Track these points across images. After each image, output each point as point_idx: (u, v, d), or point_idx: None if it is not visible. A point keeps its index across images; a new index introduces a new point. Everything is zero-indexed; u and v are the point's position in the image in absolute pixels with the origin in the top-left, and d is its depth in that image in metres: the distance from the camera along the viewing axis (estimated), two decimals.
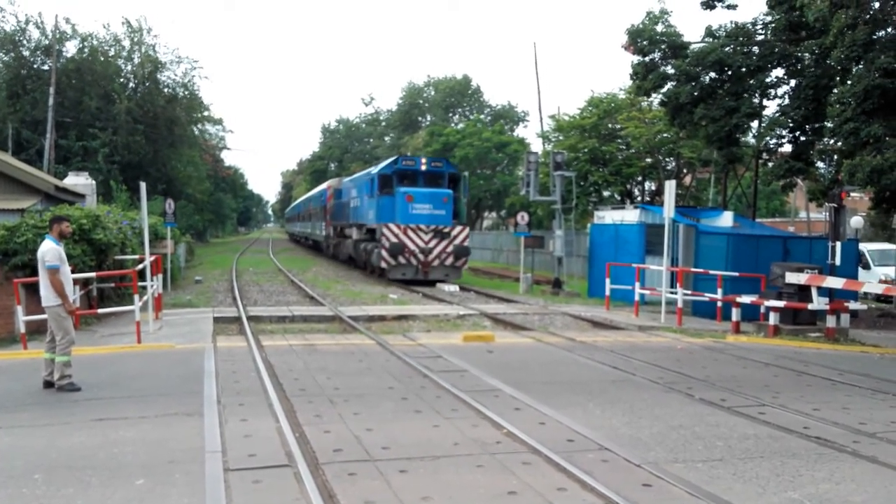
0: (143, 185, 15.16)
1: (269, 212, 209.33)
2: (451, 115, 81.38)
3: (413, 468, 6.34)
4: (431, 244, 25.82)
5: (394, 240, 25.47)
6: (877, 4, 17.87)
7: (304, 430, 7.39)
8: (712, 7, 23.61)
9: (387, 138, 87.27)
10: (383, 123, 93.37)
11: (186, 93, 51.23)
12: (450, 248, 25.97)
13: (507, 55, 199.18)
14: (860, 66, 18.03)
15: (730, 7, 23.88)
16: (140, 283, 14.12)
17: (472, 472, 6.28)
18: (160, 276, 16.55)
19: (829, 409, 8.93)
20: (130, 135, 43.34)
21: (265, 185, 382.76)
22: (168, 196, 28.39)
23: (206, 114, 58.31)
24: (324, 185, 46.45)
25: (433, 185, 26.91)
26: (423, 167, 27.26)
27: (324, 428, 7.48)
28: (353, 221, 31.96)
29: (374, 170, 28.78)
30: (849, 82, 18.78)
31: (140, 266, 15.02)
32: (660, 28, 24.12)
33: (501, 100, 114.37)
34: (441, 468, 6.39)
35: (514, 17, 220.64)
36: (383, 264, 25.71)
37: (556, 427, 7.77)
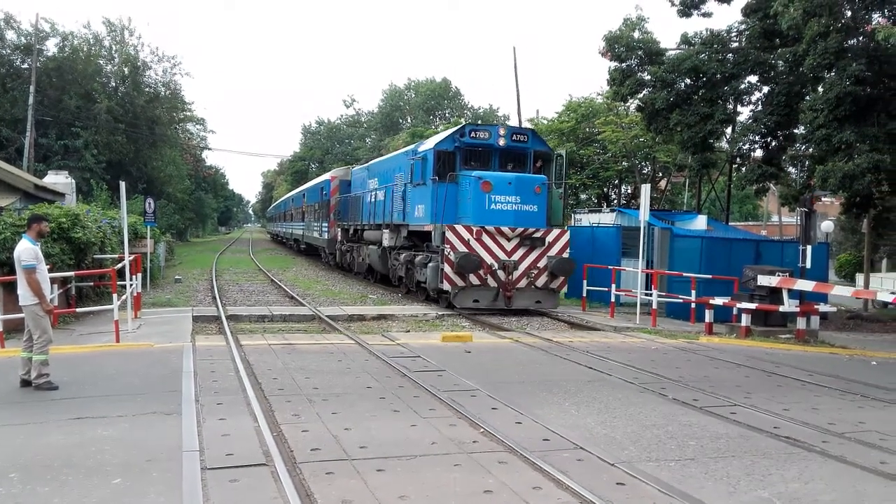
0: (122, 185, 15.13)
1: (250, 212, 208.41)
2: (431, 117, 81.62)
3: (390, 467, 6.39)
4: (517, 255, 18.06)
5: (462, 249, 17.59)
6: (849, 13, 18.20)
7: (282, 429, 7.43)
8: (688, 15, 23.89)
9: (368, 140, 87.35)
10: (364, 125, 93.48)
11: (168, 92, 51.02)
12: (543, 262, 18.24)
13: (488, 59, 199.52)
14: (832, 74, 18.38)
15: (705, 15, 24.17)
16: (119, 282, 14.08)
17: (448, 471, 6.35)
18: (139, 275, 16.48)
19: (799, 409, 9.10)
20: (111, 134, 43.16)
21: (246, 185, 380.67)
22: (148, 195, 28.18)
23: (187, 113, 58.07)
24: (325, 176, 37.23)
25: (514, 168, 19.36)
26: (502, 141, 19.01)
27: (302, 427, 7.52)
28: (383, 221, 23.15)
29: (425, 146, 20.34)
30: (821, 89, 19.13)
31: (119, 265, 14.95)
32: (637, 35, 24.35)
33: (482, 103, 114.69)
34: (418, 467, 6.45)
35: (494, 21, 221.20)
36: (446, 286, 17.82)
37: (532, 426, 7.86)
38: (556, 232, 18.51)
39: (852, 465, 6.94)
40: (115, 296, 13.07)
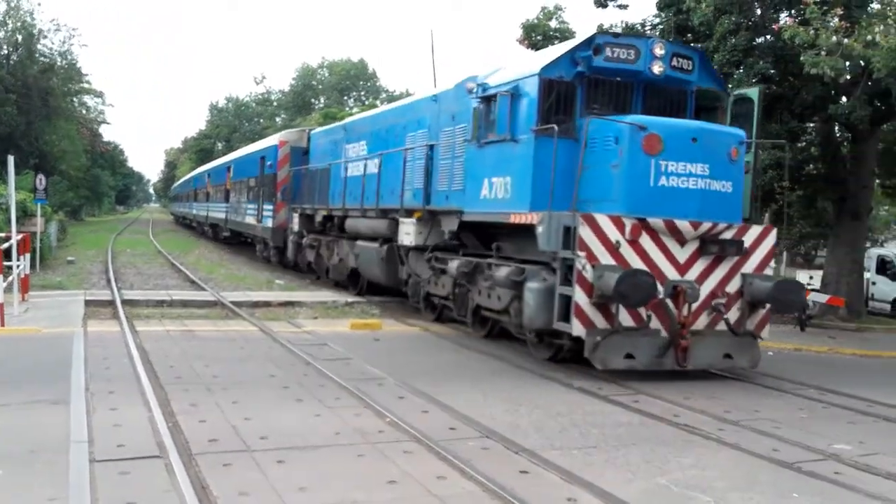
0: (10, 159, 14.27)
1: (151, 191, 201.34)
2: (346, 98, 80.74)
3: (291, 458, 6.25)
4: (694, 272, 10.11)
5: (608, 260, 9.57)
6: (759, 11, 18.82)
7: (177, 419, 7.16)
8: (604, 6, 24.17)
9: (278, 119, 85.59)
10: (275, 104, 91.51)
11: (64, 63, 48.58)
12: (734, 284, 10.35)
13: (405, 41, 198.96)
14: (740, 71, 18.93)
15: (621, 7, 24.50)
16: (5, 263, 13.34)
17: (352, 462, 6.26)
18: (28, 255, 15.63)
19: (699, 397, 9.35)
20: (0, 105, 40.71)
21: (148, 163, 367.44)
22: (40, 171, 26.70)
23: (84, 85, 55.42)
24: (269, 140, 27.09)
25: (672, 112, 11.03)
26: (657, 68, 10.70)
27: (199, 417, 7.27)
28: (401, 206, 14.39)
29: (508, 73, 11.25)
30: (729, 86, 19.70)
31: (5, 245, 14.14)
32: (553, 24, 24.51)
33: (399, 86, 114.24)
34: (320, 458, 6.33)
35: (412, 4, 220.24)
36: (577, 327, 9.55)
37: (438, 416, 7.83)
38: (755, 230, 10.57)
39: (746, 451, 7.15)
40: (0, 277, 12.34)
